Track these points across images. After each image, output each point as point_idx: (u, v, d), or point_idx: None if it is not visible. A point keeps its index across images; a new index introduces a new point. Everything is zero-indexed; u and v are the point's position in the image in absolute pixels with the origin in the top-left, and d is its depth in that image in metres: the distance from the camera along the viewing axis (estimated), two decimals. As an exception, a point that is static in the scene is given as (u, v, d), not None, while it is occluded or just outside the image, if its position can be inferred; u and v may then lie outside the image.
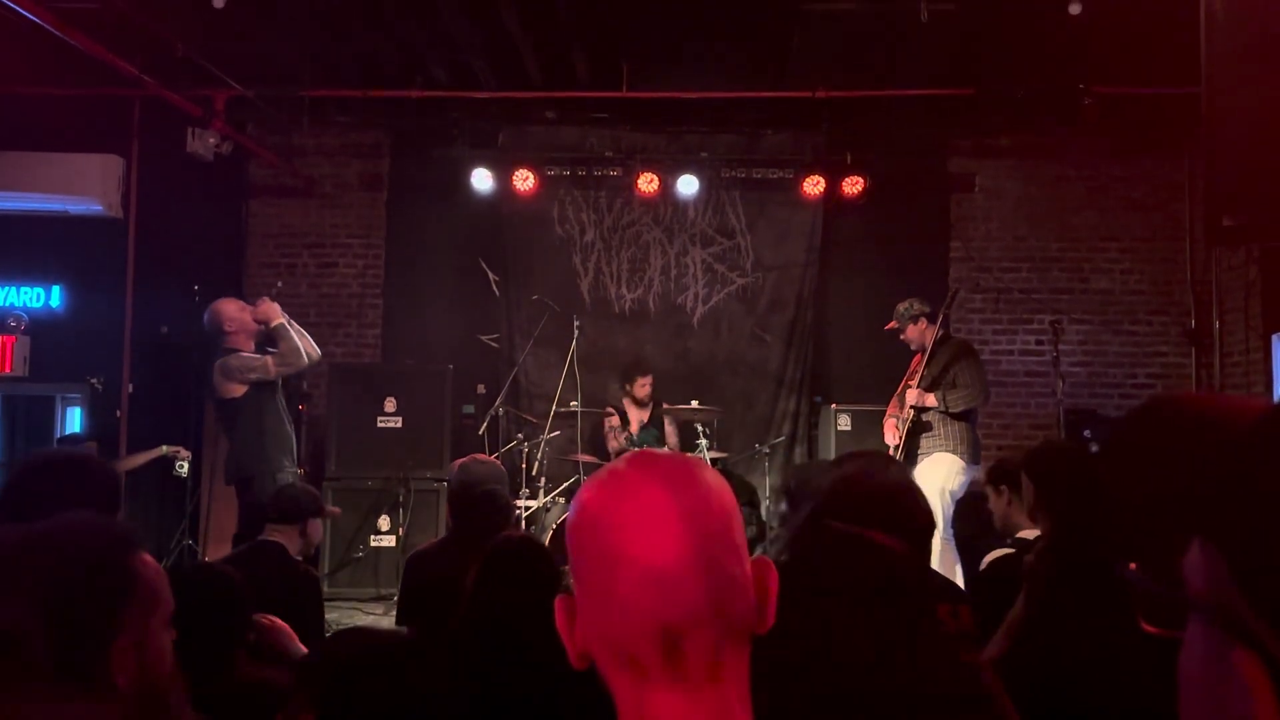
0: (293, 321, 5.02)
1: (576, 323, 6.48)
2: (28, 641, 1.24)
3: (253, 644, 2.35)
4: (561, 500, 6.32)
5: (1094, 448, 5.87)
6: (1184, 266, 7.53)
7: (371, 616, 5.96)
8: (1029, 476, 2.79)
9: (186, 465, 6.65)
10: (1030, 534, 2.87)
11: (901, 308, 5.61)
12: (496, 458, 5.37)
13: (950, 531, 5.23)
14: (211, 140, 6.34)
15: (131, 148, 7.36)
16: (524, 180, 7.11)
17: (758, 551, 5.20)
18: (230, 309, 4.94)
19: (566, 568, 0.92)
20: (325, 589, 5.29)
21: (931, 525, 1.64)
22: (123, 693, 1.28)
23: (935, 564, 4.71)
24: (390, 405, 6.71)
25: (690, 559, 0.83)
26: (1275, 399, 5.20)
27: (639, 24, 6.08)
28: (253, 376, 4.78)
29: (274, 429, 4.84)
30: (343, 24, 6.07)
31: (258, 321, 4.94)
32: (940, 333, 5.54)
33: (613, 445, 6.74)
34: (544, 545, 2.39)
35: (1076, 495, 2.39)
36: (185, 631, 1.45)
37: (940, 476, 5.22)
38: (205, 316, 4.96)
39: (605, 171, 7.33)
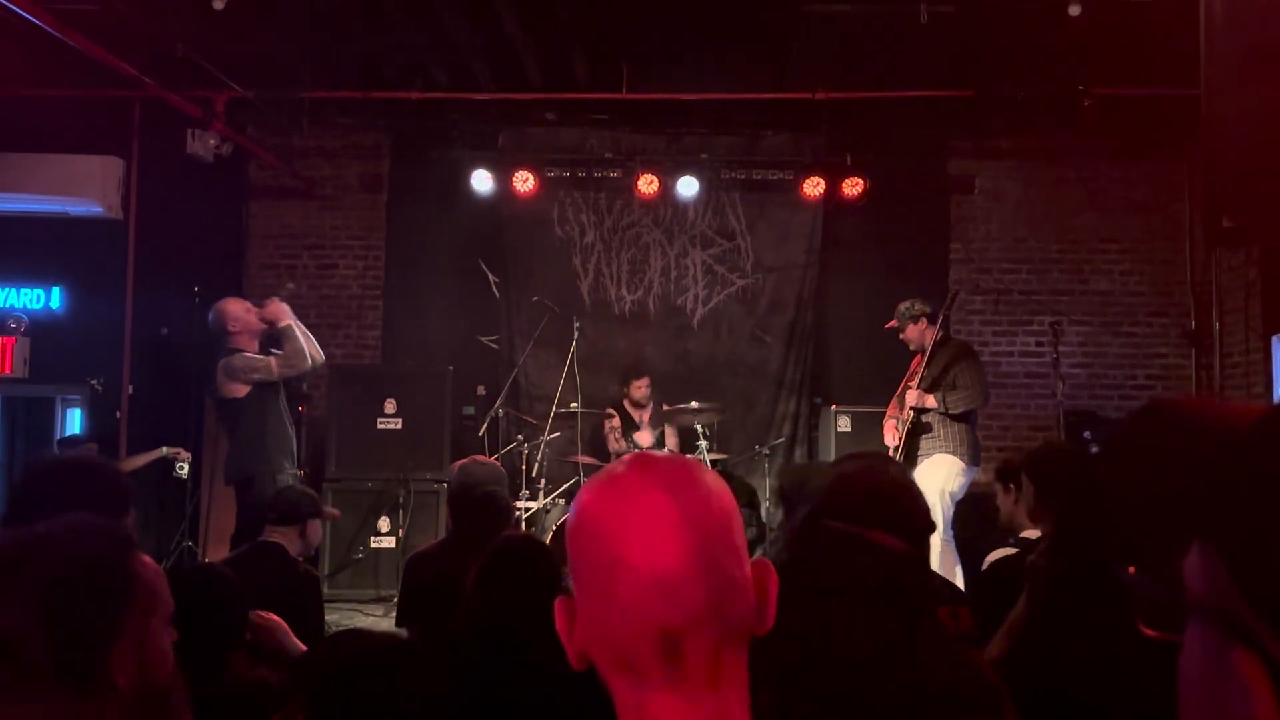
0: (300, 324, 5.00)
1: (576, 324, 6.48)
2: (27, 644, 1.24)
3: (250, 643, 2.35)
4: (561, 502, 6.32)
5: (1094, 449, 5.87)
6: (1184, 268, 7.53)
7: (371, 618, 5.96)
8: (1029, 478, 2.80)
9: (186, 467, 6.66)
10: (1033, 534, 2.87)
11: (903, 307, 5.62)
12: (496, 459, 5.37)
13: (950, 533, 5.23)
14: (211, 141, 6.34)
15: (132, 149, 7.37)
16: (524, 182, 7.11)
17: (758, 553, 5.20)
18: (235, 308, 4.92)
19: (567, 569, 0.92)
20: (325, 591, 5.29)
21: (930, 525, 1.64)
22: (123, 694, 1.28)
23: (935, 565, 4.72)
24: (390, 406, 6.71)
25: (690, 563, 0.83)
26: (1275, 400, 5.21)
27: (639, 25, 6.08)
28: (256, 377, 4.76)
29: (276, 430, 4.82)
30: (343, 25, 6.07)
31: (265, 321, 4.91)
32: (940, 334, 5.54)
33: (613, 447, 6.75)
34: (545, 545, 2.39)
35: (1076, 497, 2.39)
36: (182, 632, 1.45)
37: (940, 478, 5.22)
38: (210, 315, 4.94)
39: (605, 173, 7.33)
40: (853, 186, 7.08)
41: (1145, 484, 0.69)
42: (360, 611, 6.10)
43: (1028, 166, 7.63)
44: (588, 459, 6.27)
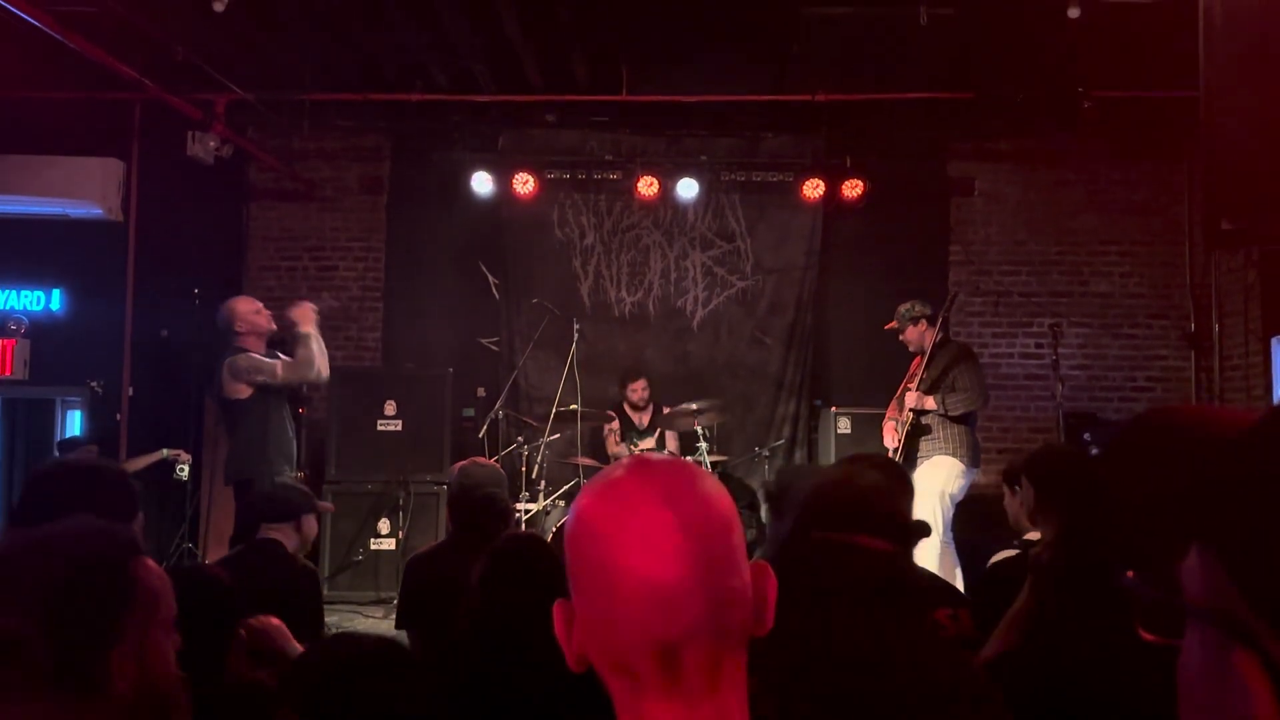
0: (319, 336, 4.89)
1: (576, 326, 6.48)
2: (28, 646, 1.24)
3: (249, 645, 2.35)
4: (561, 503, 6.32)
5: (1094, 451, 5.87)
6: (1183, 270, 7.54)
7: (371, 620, 5.95)
8: (1029, 480, 2.80)
9: (187, 468, 6.67)
10: (1036, 536, 2.87)
11: (903, 309, 5.62)
12: (496, 461, 5.36)
13: (950, 535, 5.23)
14: (212, 144, 6.34)
15: (132, 151, 7.37)
16: (524, 184, 7.11)
17: (756, 554, 5.19)
18: (244, 308, 4.88)
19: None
20: (325, 592, 5.29)
21: (915, 524, 1.66)
22: (123, 698, 1.28)
23: (935, 567, 4.73)
24: (390, 408, 6.71)
25: (688, 574, 0.83)
26: (1275, 403, 5.20)
27: (638, 27, 6.08)
28: (259, 379, 4.71)
29: (277, 434, 4.78)
30: (343, 27, 6.08)
31: (288, 321, 4.84)
32: (940, 336, 5.54)
33: (612, 450, 6.75)
34: (547, 544, 2.39)
35: (1076, 499, 2.39)
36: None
37: (940, 479, 5.23)
38: (219, 312, 4.89)
39: (605, 175, 7.33)
40: (852, 188, 7.09)
41: (1145, 485, 0.70)
42: (360, 614, 6.09)
43: (1027, 168, 7.63)
44: (588, 461, 6.27)
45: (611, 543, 0.84)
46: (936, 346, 5.48)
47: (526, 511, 6.13)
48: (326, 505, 4.74)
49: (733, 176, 7.41)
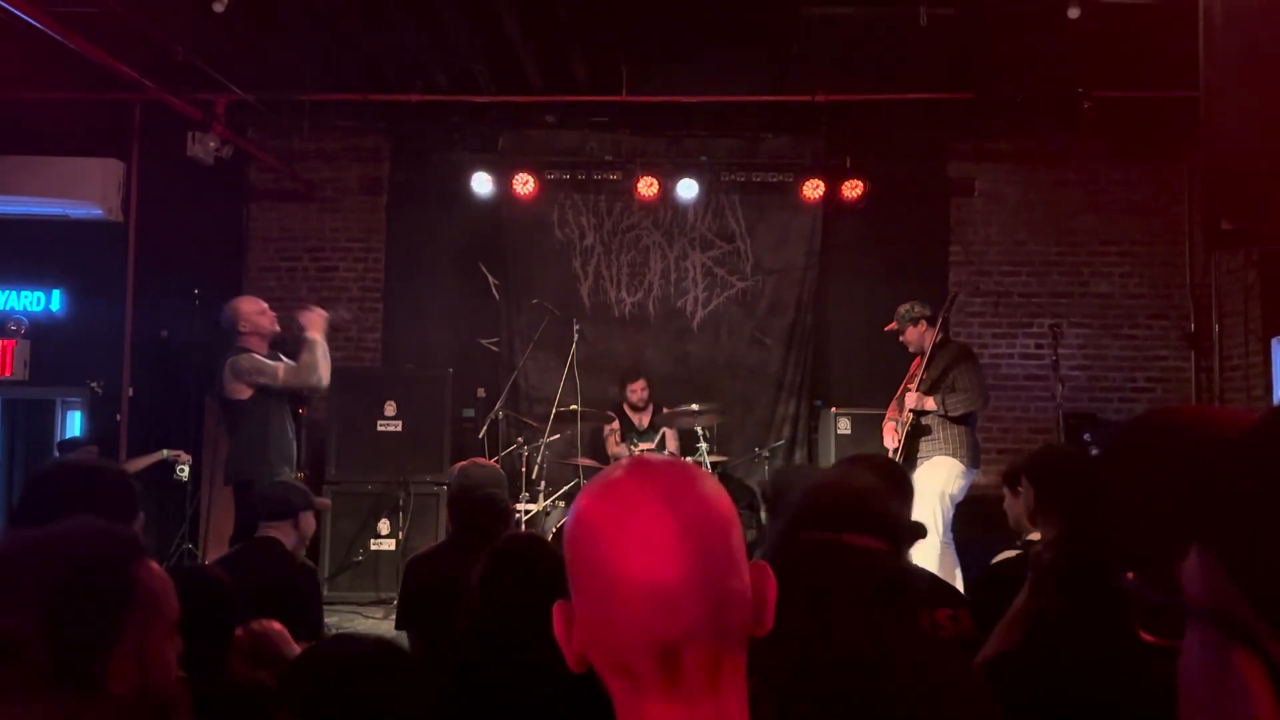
0: (325, 344, 4.85)
1: (576, 326, 6.49)
2: (27, 647, 1.23)
3: (248, 646, 2.35)
4: (561, 504, 6.32)
5: (1094, 451, 5.87)
6: (1183, 270, 7.53)
7: (371, 620, 5.96)
8: (1029, 480, 2.80)
9: (187, 469, 6.67)
10: (1037, 536, 2.87)
11: (903, 309, 5.62)
12: (496, 461, 5.36)
13: (950, 535, 5.23)
14: (212, 144, 6.35)
15: (132, 151, 7.37)
16: (524, 184, 7.11)
17: (756, 555, 5.19)
18: (248, 308, 4.86)
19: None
20: (325, 593, 5.29)
21: (905, 524, 1.66)
22: (122, 699, 1.28)
23: (935, 568, 4.72)
24: (390, 409, 6.71)
25: (689, 576, 0.83)
26: (1275, 403, 5.20)
27: (638, 27, 6.08)
28: (260, 380, 4.69)
29: (277, 435, 4.77)
30: (343, 27, 6.08)
31: (297, 323, 4.82)
32: (940, 336, 5.54)
33: (612, 450, 6.74)
34: (548, 544, 2.40)
35: (1076, 499, 2.39)
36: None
37: (940, 480, 5.23)
38: (223, 311, 4.88)
39: (605, 175, 7.33)
40: (852, 189, 7.09)
41: (1145, 486, 0.70)
42: (360, 614, 6.09)
43: (1027, 169, 7.63)
44: (588, 461, 6.27)
45: (611, 543, 0.84)
46: (936, 347, 5.48)
47: (526, 512, 6.13)
48: (324, 501, 4.74)
49: (733, 177, 7.41)
